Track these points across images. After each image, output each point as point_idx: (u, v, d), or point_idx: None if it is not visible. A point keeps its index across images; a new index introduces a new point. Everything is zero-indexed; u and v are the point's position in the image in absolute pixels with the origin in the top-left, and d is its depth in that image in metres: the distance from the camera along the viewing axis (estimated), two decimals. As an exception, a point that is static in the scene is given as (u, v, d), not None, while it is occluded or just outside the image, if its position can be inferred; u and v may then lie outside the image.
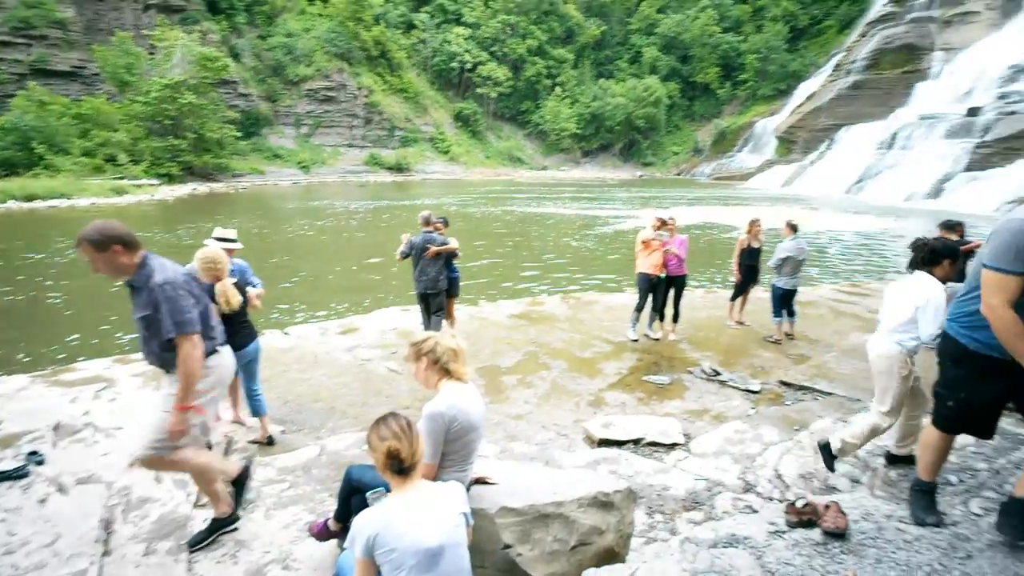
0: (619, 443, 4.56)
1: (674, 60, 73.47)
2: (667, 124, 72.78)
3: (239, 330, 4.01)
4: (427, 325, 6.69)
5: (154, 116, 38.10)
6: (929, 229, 6.27)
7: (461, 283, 7.33)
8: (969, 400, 2.59)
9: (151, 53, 41.43)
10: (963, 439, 3.55)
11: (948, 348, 2.65)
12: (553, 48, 72.62)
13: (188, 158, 39.48)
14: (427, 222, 6.53)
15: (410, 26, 70.46)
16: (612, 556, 2.69)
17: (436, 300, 6.55)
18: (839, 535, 2.53)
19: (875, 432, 3.49)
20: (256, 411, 4.39)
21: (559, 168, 69.86)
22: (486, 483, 2.69)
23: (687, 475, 3.98)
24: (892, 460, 3.69)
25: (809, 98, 55.37)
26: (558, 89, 71.96)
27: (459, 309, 8.33)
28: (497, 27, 69.40)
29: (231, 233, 4.61)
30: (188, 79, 38.75)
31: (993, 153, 31.25)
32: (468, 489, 2.55)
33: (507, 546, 2.43)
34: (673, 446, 4.53)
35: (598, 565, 2.56)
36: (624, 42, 78.26)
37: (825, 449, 3.67)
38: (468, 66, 68.92)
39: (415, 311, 7.68)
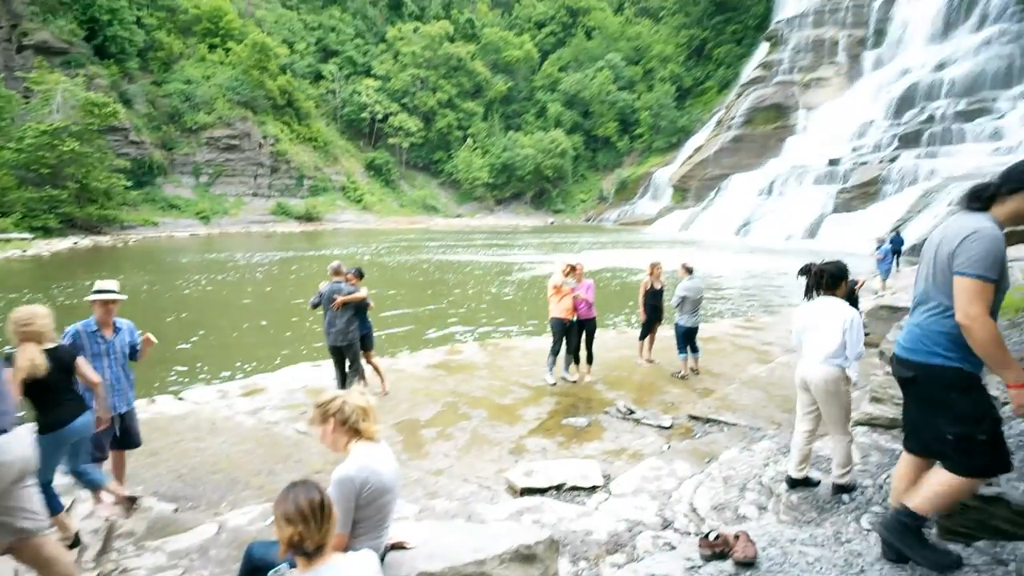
0: (541, 491, 4.53)
1: (577, 115, 78.24)
2: (574, 174, 76.70)
3: (61, 403, 3.49)
4: (340, 381, 6.41)
5: (28, 164, 34.67)
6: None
7: (377, 334, 7.15)
8: (998, 422, 2.34)
9: (26, 97, 38.04)
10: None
11: (948, 379, 2.35)
12: (463, 101, 75.03)
13: (69, 209, 36.08)
14: (336, 272, 6.37)
15: (318, 76, 70.18)
16: (537, 611, 2.62)
17: (350, 353, 6.31)
18: (749, 564, 2.63)
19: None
20: (55, 509, 3.43)
21: (473, 216, 71.06)
22: (404, 548, 2.56)
23: (608, 517, 4.01)
24: (793, 484, 3.93)
25: (697, 150, 60.83)
26: (469, 140, 74.05)
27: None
28: (407, 80, 70.84)
29: (111, 284, 4.17)
30: (70, 125, 35.83)
31: (853, 197, 35.69)
32: (384, 556, 2.41)
33: (428, 615, 2.31)
34: (594, 489, 4.57)
35: (523, 623, 2.49)
36: (530, 97, 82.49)
37: (799, 483, 3.87)
38: (379, 116, 69.40)
39: (328, 366, 7.34)
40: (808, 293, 3.82)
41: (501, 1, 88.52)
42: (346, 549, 2.18)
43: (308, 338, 11.68)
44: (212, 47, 58.86)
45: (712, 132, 61.53)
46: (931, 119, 36.99)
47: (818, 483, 3.92)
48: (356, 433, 2.32)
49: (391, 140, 69.79)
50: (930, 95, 39.04)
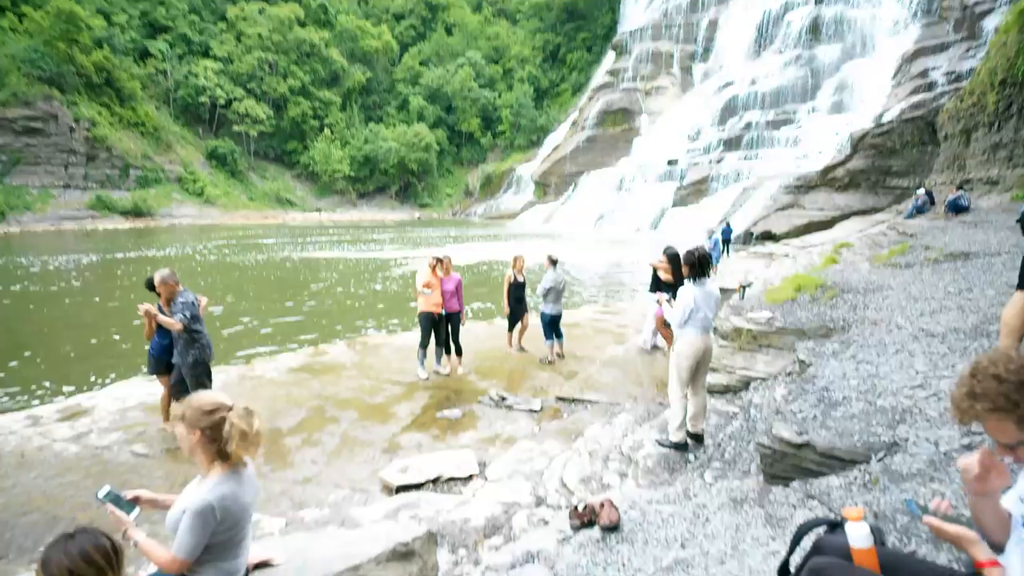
0: (418, 486, 4.49)
1: (440, 110, 77.89)
2: (439, 168, 76.39)
3: None
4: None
5: None
6: (655, 252, 7.79)
7: (235, 339, 6.48)
8: None
9: None
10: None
11: None
12: (318, 89, 70.81)
13: None
14: (164, 282, 5.22)
15: (145, 54, 61.66)
16: (418, 606, 2.60)
17: (187, 372, 5.29)
18: (614, 528, 2.85)
19: None
20: None
21: (334, 210, 67.61)
22: (269, 565, 2.38)
23: (485, 503, 4.09)
24: (683, 446, 4.30)
25: (555, 148, 64.00)
26: (327, 131, 70.18)
27: (226, 371, 7.37)
28: (253, 64, 65.03)
29: None
30: None
31: (688, 193, 40.08)
32: (246, 577, 2.22)
33: (300, 630, 2.17)
34: (470, 477, 4.63)
35: (404, 620, 2.45)
36: (391, 89, 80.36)
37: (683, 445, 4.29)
38: (221, 102, 62.91)
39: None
40: (695, 276, 4.26)
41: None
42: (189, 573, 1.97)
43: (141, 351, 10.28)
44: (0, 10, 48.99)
45: (568, 131, 65.05)
46: (748, 126, 42.68)
47: (699, 438, 4.36)
48: (223, 456, 2.04)
49: (236, 128, 63.62)
50: (747, 105, 45.01)
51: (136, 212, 48.77)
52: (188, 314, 5.10)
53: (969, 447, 2.72)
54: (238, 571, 2.14)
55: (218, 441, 2.00)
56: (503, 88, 79.09)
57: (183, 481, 2.95)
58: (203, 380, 5.25)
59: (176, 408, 2.07)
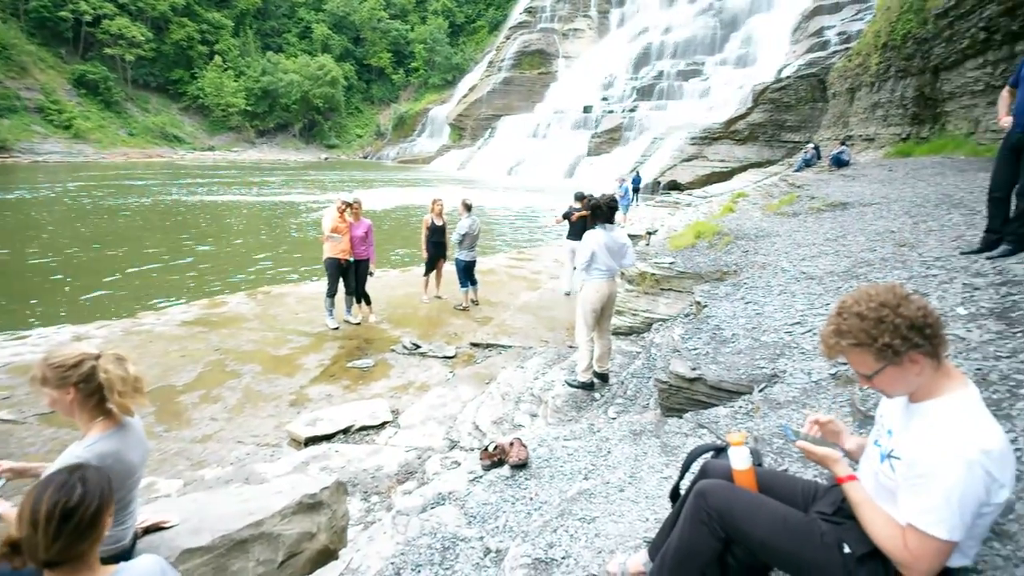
0: (328, 437, 4.40)
1: (347, 41, 72.38)
2: (348, 106, 71.75)
3: None
4: None
5: None
6: (567, 199, 7.90)
7: (115, 295, 5.86)
8: None
9: None
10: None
11: None
12: (206, 10, 63.09)
13: None
14: None
15: (-20, -49, 51.46)
16: (328, 555, 2.58)
17: None
18: (522, 465, 2.95)
19: None
20: None
21: (230, 149, 61.97)
22: (160, 529, 2.23)
23: (398, 449, 4.10)
24: (590, 385, 4.48)
25: (471, 90, 61.97)
26: (218, 59, 63.13)
27: (110, 325, 6.72)
28: (124, -26, 56.46)
29: None
30: None
31: (603, 142, 40.66)
32: (134, 543, 2.07)
33: (198, 591, 2.08)
34: (383, 425, 4.60)
35: (312, 570, 2.43)
36: (291, 15, 73.33)
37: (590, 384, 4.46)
38: (87, 18, 54.36)
39: (48, 337, 5.87)
40: (600, 223, 4.30)
41: None
42: None
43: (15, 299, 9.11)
44: None
45: (484, 72, 63.07)
46: (660, 75, 43.50)
47: (605, 377, 4.56)
48: (104, 410, 1.84)
49: (108, 51, 55.52)
50: (660, 55, 45.70)
51: (-15, 145, 42.04)
52: None
53: (835, 376, 3.06)
54: (124, 538, 1.98)
55: (96, 393, 1.81)
56: (416, 21, 74.75)
57: (60, 447, 2.68)
58: None
59: (33, 372, 1.83)
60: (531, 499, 2.69)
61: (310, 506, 2.54)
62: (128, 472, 1.91)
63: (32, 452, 4.14)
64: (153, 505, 2.52)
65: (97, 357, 1.84)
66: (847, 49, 24.47)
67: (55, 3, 52.84)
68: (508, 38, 62.63)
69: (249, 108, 63.59)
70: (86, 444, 1.81)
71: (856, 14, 31.85)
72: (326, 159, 65.10)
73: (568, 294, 8.19)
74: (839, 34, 31.05)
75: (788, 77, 29.30)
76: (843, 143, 15.96)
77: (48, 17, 53.38)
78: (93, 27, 54.95)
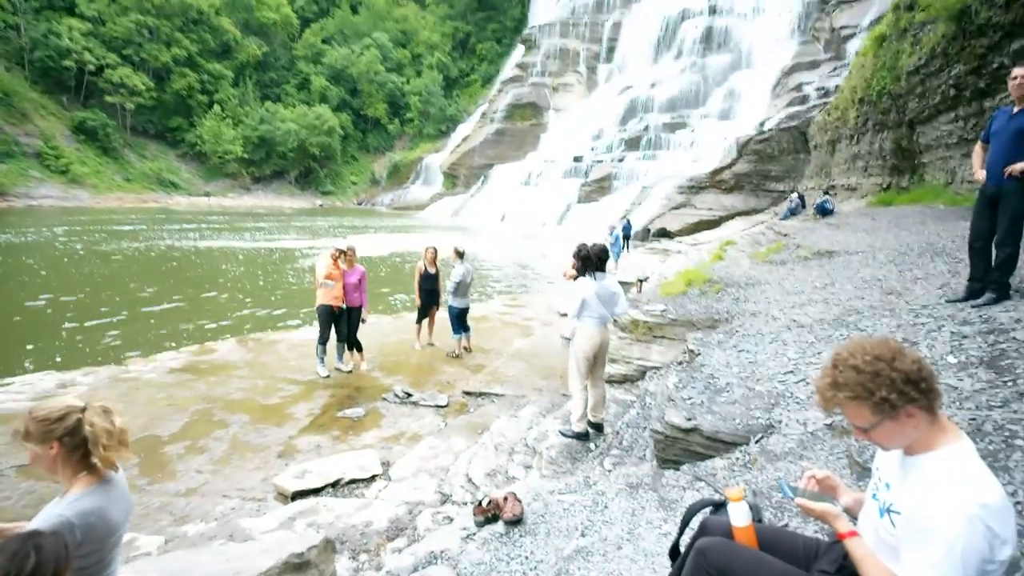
0: (316, 491, 4.28)
1: (344, 92, 74.46)
2: (343, 154, 73.10)
3: None
4: None
5: None
6: (565, 248, 7.99)
7: (106, 342, 5.79)
8: None
9: None
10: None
11: None
12: (207, 61, 64.92)
13: None
14: None
15: (-13, 4, 53.07)
16: (314, 619, 2.47)
17: None
18: (517, 521, 2.88)
19: None
20: None
21: (226, 195, 62.56)
22: (141, 590, 2.14)
23: (389, 504, 3.98)
24: (584, 436, 4.44)
25: (465, 139, 63.56)
26: (217, 107, 64.55)
27: (96, 371, 6.60)
28: (129, 27, 58.18)
29: None
30: None
31: (592, 191, 41.55)
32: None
33: (176, 660, 1.98)
34: (373, 478, 4.48)
35: (298, 635, 2.32)
36: (290, 67, 75.60)
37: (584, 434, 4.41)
38: (90, 68, 55.73)
39: (32, 384, 5.75)
40: (592, 271, 4.35)
41: (251, -46, 78.76)
42: None
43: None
44: None
45: (477, 123, 64.89)
46: (647, 128, 44.97)
47: (600, 427, 4.54)
48: (89, 466, 1.79)
49: (109, 98, 56.66)
50: (647, 108, 47.38)
51: (-20, 191, 42.19)
52: None
53: (831, 427, 3.05)
54: (103, 599, 1.89)
55: (81, 447, 1.75)
56: (411, 74, 77.22)
57: (37, 501, 2.59)
58: None
59: (17, 427, 1.78)
60: (527, 558, 2.61)
61: (297, 566, 2.45)
62: (110, 531, 1.84)
63: (7, 506, 3.97)
64: (134, 564, 2.42)
65: (83, 410, 1.80)
66: (825, 103, 25.51)
67: (59, 53, 54.25)
68: (500, 91, 64.77)
69: (246, 155, 64.59)
70: (68, 501, 1.75)
71: (834, 70, 33.40)
72: (321, 205, 65.79)
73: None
74: (818, 89, 32.47)
75: (770, 129, 30.46)
76: (826, 192, 16.42)
77: (52, 67, 54.71)
78: (96, 76, 56.28)
